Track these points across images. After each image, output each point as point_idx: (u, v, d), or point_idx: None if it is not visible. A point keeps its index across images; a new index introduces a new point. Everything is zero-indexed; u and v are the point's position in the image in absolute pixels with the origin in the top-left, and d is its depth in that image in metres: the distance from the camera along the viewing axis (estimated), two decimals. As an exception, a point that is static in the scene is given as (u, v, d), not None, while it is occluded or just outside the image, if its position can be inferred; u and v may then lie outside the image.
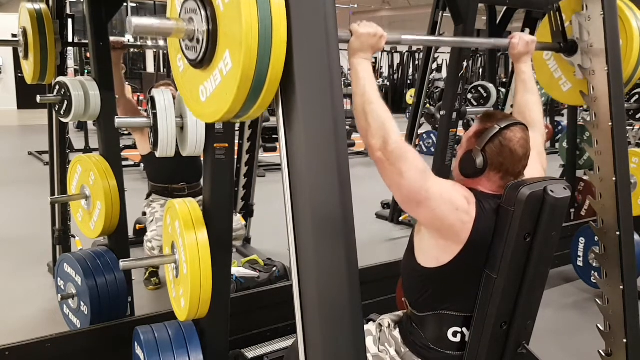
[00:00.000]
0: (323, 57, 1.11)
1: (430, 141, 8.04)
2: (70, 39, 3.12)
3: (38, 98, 2.71)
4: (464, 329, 1.52)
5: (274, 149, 4.28)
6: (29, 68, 2.89)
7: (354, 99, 1.37)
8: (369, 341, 1.68)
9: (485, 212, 1.43)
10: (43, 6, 2.82)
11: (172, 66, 1.32)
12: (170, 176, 3.35)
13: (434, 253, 1.48)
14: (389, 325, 1.70)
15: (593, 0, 1.89)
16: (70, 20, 3.03)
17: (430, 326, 1.54)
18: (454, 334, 1.52)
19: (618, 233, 1.89)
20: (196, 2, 1.11)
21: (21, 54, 2.91)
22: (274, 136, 4.21)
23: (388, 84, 15.58)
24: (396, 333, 1.66)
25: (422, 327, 1.56)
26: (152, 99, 1.84)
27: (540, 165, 1.67)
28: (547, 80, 2.26)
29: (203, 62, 1.13)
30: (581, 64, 1.99)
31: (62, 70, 3.00)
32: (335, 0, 1.13)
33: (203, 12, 1.10)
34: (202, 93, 1.18)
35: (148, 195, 3.52)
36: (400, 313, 1.74)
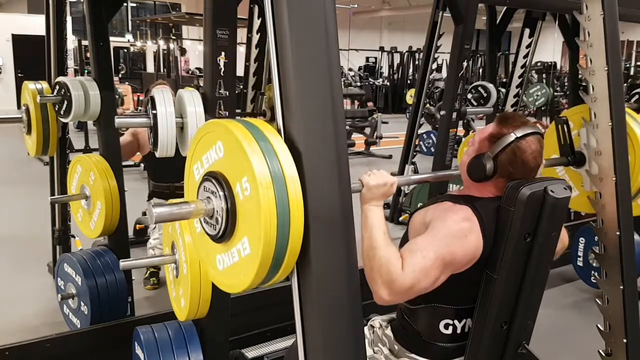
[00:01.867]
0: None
1: (430, 141, 8.04)
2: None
3: (38, 98, 2.71)
4: (456, 321, 1.53)
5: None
6: (32, 142, 2.97)
7: (362, 244, 1.38)
8: None
9: (486, 218, 1.44)
10: (45, 85, 2.91)
11: (189, 224, 1.31)
12: (171, 175, 3.35)
13: None
14: (380, 325, 1.71)
15: (593, 1, 1.89)
16: (71, 61, 3.08)
17: (422, 318, 1.55)
18: (446, 326, 1.53)
19: (618, 233, 1.89)
20: (216, 185, 1.11)
21: (24, 130, 3.01)
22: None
23: (388, 84, 15.58)
24: (388, 331, 1.67)
25: (414, 319, 1.56)
26: (152, 99, 1.84)
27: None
28: None
29: (222, 239, 1.14)
30: (589, 169, 1.99)
31: (62, 70, 3.01)
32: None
33: (222, 194, 1.10)
34: (219, 262, 1.19)
35: (149, 197, 3.52)
36: (391, 315, 1.75)
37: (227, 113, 1.85)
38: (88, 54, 2.70)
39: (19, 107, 12.29)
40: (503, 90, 4.80)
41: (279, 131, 1.12)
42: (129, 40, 16.72)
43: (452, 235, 1.39)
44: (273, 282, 1.13)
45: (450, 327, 1.53)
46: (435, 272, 1.36)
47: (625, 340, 1.89)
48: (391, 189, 1.45)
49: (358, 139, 8.61)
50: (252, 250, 1.06)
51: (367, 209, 1.43)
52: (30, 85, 2.86)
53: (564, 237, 1.67)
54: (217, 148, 1.14)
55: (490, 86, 4.64)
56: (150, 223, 1.03)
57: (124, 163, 2.80)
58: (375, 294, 1.35)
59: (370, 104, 11.96)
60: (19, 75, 12.49)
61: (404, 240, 1.57)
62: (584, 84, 2.03)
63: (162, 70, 12.88)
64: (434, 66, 4.95)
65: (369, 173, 1.45)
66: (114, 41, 14.28)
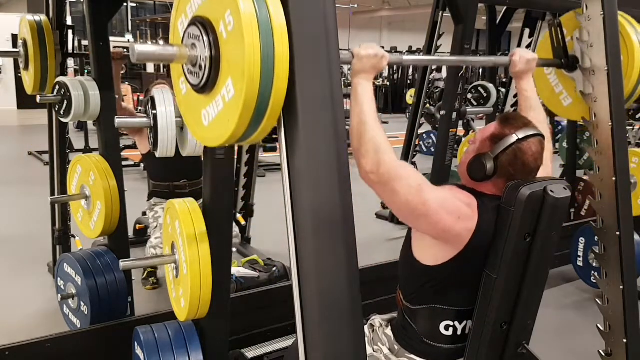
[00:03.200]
0: (324, 78, 1.11)
1: (430, 141, 8.03)
2: (70, 50, 3.15)
3: (38, 98, 2.71)
4: (456, 323, 1.53)
5: (274, 149, 4.28)
6: (29, 79, 2.92)
7: (351, 119, 1.37)
8: None
9: (487, 213, 1.44)
10: (43, 17, 2.85)
11: (174, 88, 1.31)
12: (171, 174, 3.35)
13: (432, 252, 1.48)
14: (381, 324, 1.71)
15: (593, 0, 1.89)
16: (70, 32, 3.06)
17: (422, 319, 1.55)
18: (446, 328, 1.53)
19: (618, 233, 1.89)
20: (199, 28, 1.10)
21: (21, 65, 2.94)
22: (274, 136, 4.21)
23: (388, 84, 15.57)
24: (388, 331, 1.67)
25: (415, 320, 1.56)
26: (152, 99, 1.84)
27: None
28: (547, 95, 2.26)
29: (205, 87, 1.13)
30: (582, 88, 1.99)
31: (61, 29, 2.99)
32: (336, 23, 1.12)
33: (206, 39, 1.09)
34: (204, 117, 1.18)
35: (149, 197, 3.52)
36: (391, 314, 1.75)
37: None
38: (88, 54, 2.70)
39: (19, 107, 12.32)
40: (503, 90, 4.80)
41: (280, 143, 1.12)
42: (129, 40, 16.72)
43: (450, 204, 1.40)
44: (259, 135, 1.11)
45: (451, 329, 1.53)
46: (415, 201, 1.36)
47: (625, 340, 1.89)
48: (382, 61, 1.41)
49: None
50: (236, 90, 1.04)
51: (357, 82, 1.39)
52: (28, 17, 2.80)
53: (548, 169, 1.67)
54: None
55: (490, 86, 4.64)
56: (132, 60, 1.02)
57: (124, 163, 2.80)
58: (361, 168, 1.33)
59: (370, 103, 11.95)
60: (19, 75, 12.46)
61: (407, 241, 1.57)
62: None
63: (162, 70, 12.88)
64: (434, 66, 4.95)
65: (360, 45, 1.42)
66: (114, 41, 14.25)
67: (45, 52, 2.80)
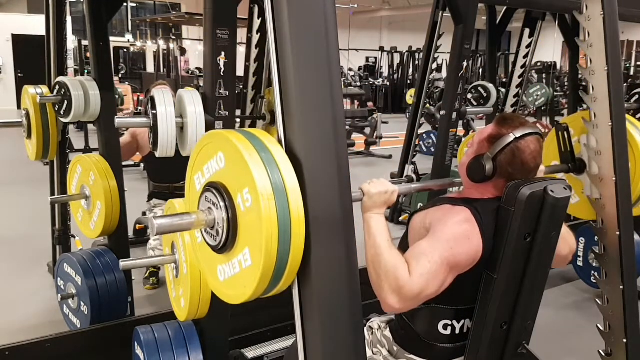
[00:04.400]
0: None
1: (430, 141, 8.03)
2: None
3: (38, 98, 2.71)
4: (455, 322, 1.53)
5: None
6: (32, 147, 2.98)
7: (366, 252, 1.37)
8: None
9: (484, 217, 1.44)
10: (45, 90, 2.91)
11: (190, 234, 1.31)
12: (170, 175, 3.36)
13: None
14: (379, 326, 1.71)
15: (593, 1, 1.89)
16: (71, 61, 3.09)
17: (421, 319, 1.55)
18: (445, 327, 1.53)
19: (618, 233, 1.89)
20: (217, 196, 1.11)
21: (24, 134, 3.01)
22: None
23: (388, 84, 15.58)
24: (387, 332, 1.67)
25: (413, 320, 1.56)
26: (152, 99, 1.84)
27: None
28: None
29: (222, 250, 1.14)
30: (590, 193, 1.98)
31: (62, 70, 3.01)
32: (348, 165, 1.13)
33: (223, 208, 1.10)
34: (220, 273, 1.19)
35: (149, 198, 3.52)
36: (389, 316, 1.74)
37: (227, 113, 1.85)
38: (88, 54, 2.70)
39: (19, 107, 12.31)
40: (503, 90, 4.79)
41: (279, 141, 1.12)
42: (129, 40, 16.71)
43: (454, 238, 1.39)
44: (274, 292, 1.13)
45: (449, 328, 1.53)
46: (441, 276, 1.36)
47: (625, 340, 1.89)
48: (392, 196, 1.44)
49: (358, 139, 8.60)
50: (254, 262, 1.06)
51: (369, 217, 1.41)
52: (30, 90, 2.86)
53: (570, 240, 1.67)
54: (218, 159, 1.14)
55: (490, 86, 4.64)
56: (151, 235, 1.03)
57: (124, 163, 2.80)
58: (383, 302, 1.34)
59: (370, 104, 11.97)
60: (19, 75, 12.47)
61: (404, 241, 1.57)
62: (584, 84, 2.03)
63: (162, 70, 12.88)
64: (434, 66, 4.94)
65: (370, 182, 1.45)
66: (114, 41, 14.27)
67: (47, 122, 2.88)
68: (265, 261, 1.03)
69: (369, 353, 1.67)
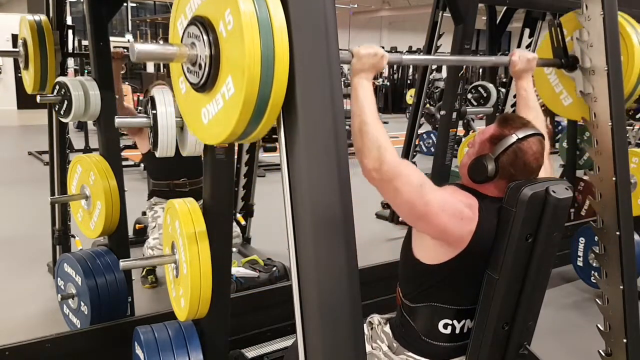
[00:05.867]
0: (324, 78, 1.11)
1: (430, 141, 8.03)
2: (70, 50, 3.16)
3: (38, 98, 2.71)
4: (455, 321, 1.53)
5: (274, 149, 4.27)
6: (29, 78, 2.92)
7: (352, 119, 1.37)
8: None
9: (488, 215, 1.44)
10: (43, 17, 2.85)
11: (174, 87, 1.31)
12: (171, 172, 3.36)
13: (432, 251, 1.48)
14: (379, 322, 1.71)
15: (593, 1, 1.89)
16: (70, 31, 3.06)
17: (421, 317, 1.55)
18: (445, 326, 1.53)
19: (618, 233, 1.89)
20: (199, 27, 1.10)
21: (21, 65, 2.94)
22: (274, 136, 4.20)
23: (388, 84, 15.57)
24: (387, 329, 1.67)
25: (414, 317, 1.56)
26: (152, 99, 1.84)
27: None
28: (548, 94, 2.27)
29: (205, 86, 1.13)
30: (582, 89, 1.99)
31: (61, 29, 2.99)
32: (336, 22, 1.12)
33: (205, 38, 1.09)
34: (204, 115, 1.18)
35: (149, 196, 3.52)
36: (390, 314, 1.75)
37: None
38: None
39: (19, 107, 12.33)
40: (503, 90, 4.79)
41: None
42: (129, 40, 16.72)
43: (451, 206, 1.41)
44: (258, 133, 1.11)
45: (450, 327, 1.53)
46: (416, 202, 1.37)
47: (625, 340, 1.89)
48: (381, 60, 1.41)
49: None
50: (236, 88, 1.04)
51: (357, 82, 1.39)
52: (28, 17, 2.81)
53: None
54: None
55: (490, 86, 4.64)
56: (132, 59, 1.03)
57: (124, 163, 2.80)
58: (364, 168, 1.35)
59: (370, 104, 11.94)
60: (19, 75, 12.45)
61: (407, 240, 1.57)
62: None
63: (162, 70, 12.87)
64: (434, 66, 4.94)
65: (359, 45, 1.43)
66: (114, 41, 14.25)
67: (45, 51, 2.81)
68: (248, 86, 1.01)
69: (368, 348, 1.67)
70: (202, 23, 1.10)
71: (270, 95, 1.04)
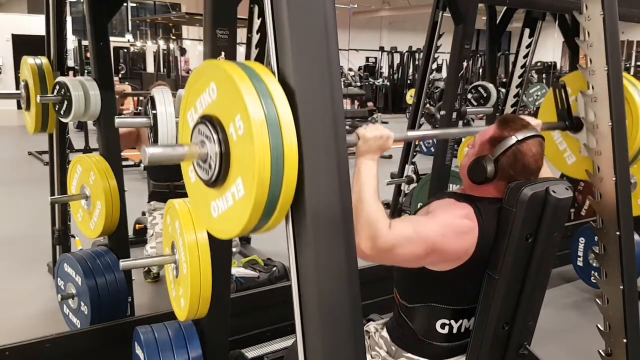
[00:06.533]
0: (332, 167, 1.11)
1: (430, 141, 8.03)
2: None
3: (38, 98, 2.71)
4: (452, 321, 1.53)
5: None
6: (30, 119, 2.94)
7: (352, 197, 1.37)
8: None
9: (487, 217, 1.44)
10: (44, 60, 2.88)
11: (183, 173, 1.31)
12: (171, 173, 3.36)
13: (438, 264, 1.47)
14: (376, 329, 1.72)
15: (593, 1, 1.89)
16: (71, 73, 3.08)
17: (418, 317, 1.55)
18: (442, 326, 1.54)
19: (618, 233, 1.89)
20: (209, 128, 1.11)
21: (23, 105, 2.96)
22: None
23: (388, 84, 15.58)
24: (384, 333, 1.67)
25: (411, 318, 1.57)
26: (152, 99, 1.85)
27: None
28: (552, 152, 2.31)
29: (215, 183, 1.13)
30: (587, 143, 1.99)
31: (62, 70, 3.01)
32: (343, 112, 1.13)
33: (216, 138, 1.09)
34: (213, 209, 1.18)
35: (149, 198, 3.52)
36: (384, 319, 1.75)
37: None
38: (88, 54, 2.70)
39: (19, 107, 12.34)
40: (503, 90, 4.79)
41: None
42: (129, 40, 16.72)
43: (451, 228, 1.40)
44: (268, 227, 1.11)
45: (447, 327, 1.54)
46: (418, 249, 1.36)
47: (625, 340, 1.89)
48: (387, 142, 1.42)
49: (358, 139, 8.59)
50: (246, 191, 1.05)
51: (361, 162, 1.40)
52: (29, 60, 2.83)
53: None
54: (210, 90, 1.13)
55: (490, 86, 4.64)
56: (144, 163, 1.04)
57: (124, 163, 2.80)
58: (357, 246, 1.33)
59: (370, 104, 11.98)
60: (19, 75, 12.46)
61: None
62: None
63: (162, 70, 12.89)
64: (434, 66, 4.94)
65: (365, 126, 1.43)
66: (114, 41, 14.28)
67: (47, 93, 2.83)
68: (258, 189, 1.02)
69: (368, 357, 1.67)
70: (213, 123, 1.10)
71: (279, 197, 1.05)
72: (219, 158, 1.09)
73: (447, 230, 1.39)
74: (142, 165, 5.62)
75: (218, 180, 1.11)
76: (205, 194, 1.19)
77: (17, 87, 3.05)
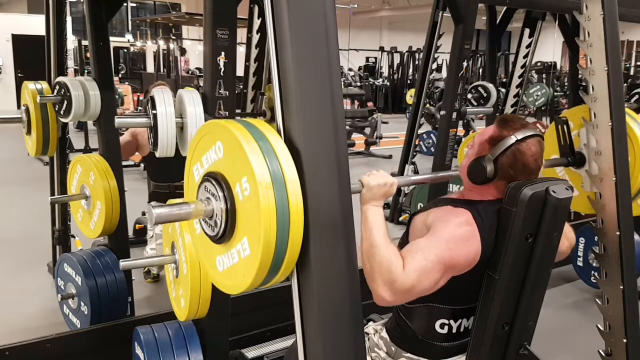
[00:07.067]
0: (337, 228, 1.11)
1: (430, 141, 8.03)
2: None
3: (38, 98, 2.71)
4: (452, 321, 1.53)
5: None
6: (31, 143, 2.97)
7: (361, 244, 1.37)
8: None
9: (486, 219, 1.44)
10: (45, 85, 2.91)
11: (188, 225, 1.31)
12: (171, 174, 3.36)
13: None
14: (375, 331, 1.72)
15: (593, 1, 1.89)
16: (71, 61, 3.09)
17: (418, 317, 1.55)
18: (441, 326, 1.54)
19: (618, 233, 1.89)
20: (215, 186, 1.11)
21: (24, 130, 3.00)
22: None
23: (388, 84, 15.57)
24: (384, 334, 1.67)
25: (410, 318, 1.57)
26: (152, 99, 1.84)
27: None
28: None
29: (221, 240, 1.13)
30: (589, 170, 1.99)
31: (62, 70, 3.01)
32: (347, 162, 1.13)
33: (222, 196, 1.10)
34: (219, 264, 1.19)
35: (150, 199, 3.52)
36: (384, 320, 1.75)
37: (227, 113, 1.85)
38: (88, 54, 2.70)
39: (19, 107, 12.34)
40: (503, 90, 4.80)
41: (278, 131, 1.12)
42: (129, 40, 16.71)
43: (454, 239, 1.39)
44: (273, 283, 1.13)
45: (446, 327, 1.54)
46: (436, 275, 1.36)
47: (625, 340, 1.89)
48: (391, 189, 1.45)
49: (358, 139, 8.61)
50: (252, 251, 1.06)
51: (367, 209, 1.42)
52: (30, 86, 2.86)
53: (570, 234, 1.67)
54: (216, 148, 1.14)
55: (490, 86, 4.64)
56: (149, 224, 1.04)
57: (124, 163, 2.81)
58: (375, 294, 1.34)
59: (370, 104, 11.97)
60: (19, 75, 12.47)
61: (404, 241, 1.57)
62: (584, 84, 2.03)
63: (162, 70, 12.86)
64: (434, 66, 4.95)
65: (369, 173, 1.45)
66: (114, 41, 14.28)
67: (47, 118, 2.87)
68: (264, 251, 1.03)
69: (368, 358, 1.67)
70: (219, 182, 1.11)
71: (285, 256, 1.06)
72: (225, 216, 1.10)
73: (452, 244, 1.39)
74: (142, 165, 5.62)
75: (224, 237, 1.12)
76: (210, 248, 1.20)
77: (18, 88, 3.06)
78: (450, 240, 1.39)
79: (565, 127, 2.12)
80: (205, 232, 1.18)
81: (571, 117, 2.18)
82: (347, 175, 1.12)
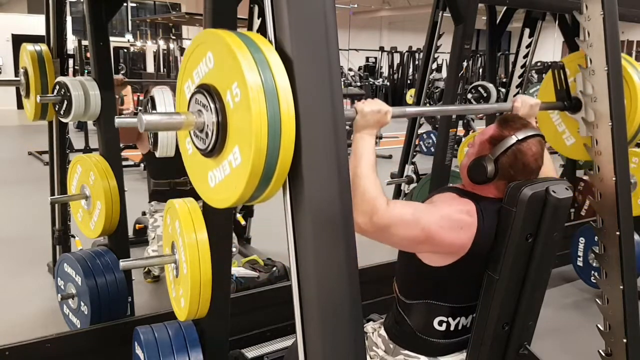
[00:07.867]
0: (329, 136, 1.11)
1: (430, 141, 8.03)
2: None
3: (38, 98, 2.71)
4: (450, 319, 1.54)
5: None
6: (30, 106, 2.94)
7: (350, 171, 1.36)
8: None
9: (487, 217, 1.44)
10: (44, 47, 2.89)
11: (180, 146, 1.30)
12: (171, 171, 3.36)
13: (434, 256, 1.48)
14: (374, 330, 1.72)
15: (593, 1, 1.89)
16: (71, 60, 3.09)
17: (416, 314, 1.56)
18: (440, 323, 1.54)
19: (618, 233, 1.89)
20: (206, 96, 1.10)
21: (23, 93, 2.97)
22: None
23: (388, 84, 15.58)
24: (382, 332, 1.67)
25: (409, 314, 1.57)
26: (152, 99, 1.85)
27: None
28: (550, 134, 2.33)
29: (212, 152, 1.13)
30: (585, 117, 2.00)
31: (62, 70, 3.01)
32: (340, 87, 1.12)
33: (213, 108, 1.09)
34: (210, 179, 1.18)
35: (150, 198, 3.52)
36: (381, 320, 1.75)
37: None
38: (88, 54, 2.70)
39: (19, 106, 12.34)
40: (503, 90, 4.80)
41: None
42: (129, 40, 16.72)
43: (449, 220, 1.40)
44: (264, 196, 1.11)
45: (444, 324, 1.54)
46: (414, 233, 1.37)
47: (625, 340, 1.89)
48: (385, 117, 1.41)
49: (358, 139, 8.59)
50: (243, 159, 1.05)
51: (359, 137, 1.39)
52: (28, 47, 2.84)
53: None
54: (207, 60, 1.12)
55: (490, 86, 4.64)
56: (140, 130, 1.04)
57: (124, 163, 2.80)
58: (354, 220, 1.30)
59: (370, 104, 11.94)
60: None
61: None
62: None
63: (162, 70, 12.88)
64: (434, 66, 4.95)
65: (363, 101, 1.42)
66: (114, 41, 14.28)
67: (46, 80, 2.84)
68: (255, 157, 1.01)
69: (367, 358, 1.67)
70: (210, 92, 1.10)
71: (277, 164, 1.05)
72: (216, 126, 1.09)
73: (444, 222, 1.40)
74: (142, 165, 5.62)
75: (215, 149, 1.11)
76: (202, 164, 1.19)
77: (17, 88, 3.05)
78: (445, 218, 1.40)
79: (561, 71, 2.10)
80: (197, 147, 1.17)
81: (568, 63, 2.16)
82: (347, 179, 1.12)
